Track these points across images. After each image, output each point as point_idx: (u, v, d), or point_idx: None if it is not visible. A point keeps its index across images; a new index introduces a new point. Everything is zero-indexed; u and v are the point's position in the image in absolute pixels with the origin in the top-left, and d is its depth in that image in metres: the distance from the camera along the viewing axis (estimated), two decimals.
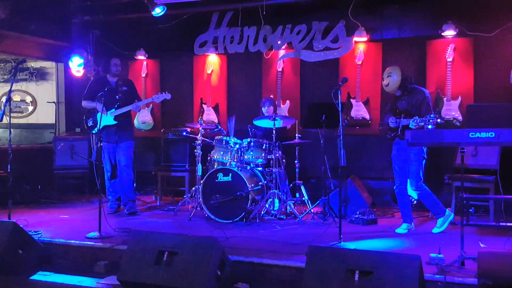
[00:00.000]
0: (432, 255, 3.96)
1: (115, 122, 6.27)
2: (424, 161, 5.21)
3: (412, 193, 5.57)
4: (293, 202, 6.19)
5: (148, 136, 8.14)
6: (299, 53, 7.33)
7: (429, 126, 4.76)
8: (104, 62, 6.50)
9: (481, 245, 4.56)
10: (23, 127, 9.50)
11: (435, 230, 5.20)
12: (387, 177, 6.63)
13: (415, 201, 6.02)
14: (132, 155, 6.48)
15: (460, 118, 6.41)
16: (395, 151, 5.36)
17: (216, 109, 7.82)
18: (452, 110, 6.45)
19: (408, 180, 5.31)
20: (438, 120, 4.78)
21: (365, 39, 6.99)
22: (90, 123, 6.45)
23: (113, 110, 6.25)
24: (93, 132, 6.50)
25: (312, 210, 6.05)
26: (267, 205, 5.99)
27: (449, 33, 6.49)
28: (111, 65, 6.40)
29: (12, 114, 5.46)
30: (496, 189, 5.48)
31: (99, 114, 5.99)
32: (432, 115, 4.78)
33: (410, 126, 4.96)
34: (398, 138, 5.25)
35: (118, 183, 6.42)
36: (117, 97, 6.33)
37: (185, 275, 3.68)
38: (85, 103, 6.50)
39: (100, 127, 5.77)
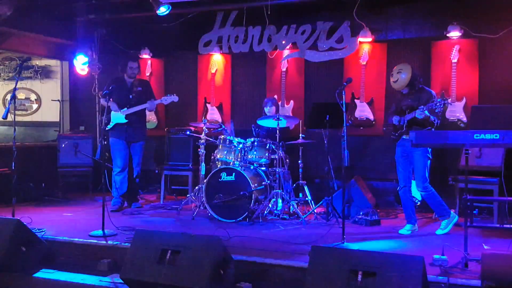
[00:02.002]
0: (436, 256, 3.95)
1: (125, 121, 6.40)
2: (429, 161, 5.19)
3: (416, 194, 5.56)
4: (296, 202, 6.19)
5: (152, 135, 8.13)
6: (303, 53, 7.32)
7: (437, 110, 4.74)
8: (122, 63, 6.62)
9: (485, 246, 4.54)
10: (28, 125, 9.53)
11: (439, 232, 5.18)
12: (391, 178, 6.61)
13: (419, 202, 6.00)
14: (143, 154, 6.70)
15: (464, 119, 6.39)
16: (399, 152, 5.34)
17: (220, 108, 7.83)
18: (456, 112, 6.44)
19: (413, 181, 5.29)
20: (447, 101, 4.76)
21: (369, 39, 6.98)
22: (105, 120, 6.54)
23: (125, 109, 6.38)
24: (107, 128, 6.56)
25: (315, 210, 6.05)
26: (270, 205, 5.99)
27: (454, 34, 6.48)
28: (127, 67, 6.54)
29: (16, 112, 5.45)
30: (500, 190, 5.46)
31: (112, 113, 6.36)
32: (439, 99, 4.75)
33: (416, 116, 4.92)
34: (402, 137, 5.22)
35: (125, 181, 6.52)
36: (130, 96, 6.48)
37: (188, 274, 3.68)
38: (101, 101, 6.79)
39: (112, 125, 5.86)
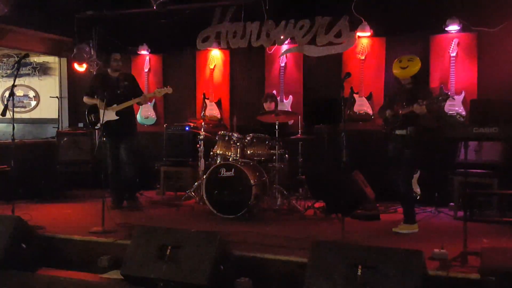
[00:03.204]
0: (435, 250, 3.95)
1: (116, 118, 6.23)
2: (417, 160, 5.08)
3: (416, 188, 5.52)
4: (295, 197, 6.19)
5: (151, 131, 8.15)
6: (302, 48, 7.31)
7: (438, 104, 4.63)
8: (105, 57, 6.47)
9: (484, 240, 4.55)
10: (26, 122, 9.50)
11: (395, 229, 5.04)
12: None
13: (419, 197, 5.99)
14: (134, 150, 6.46)
15: (463, 113, 6.39)
16: (392, 150, 5.18)
17: (218, 104, 7.82)
18: (455, 105, 6.43)
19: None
20: (449, 96, 4.66)
21: (368, 34, 6.97)
22: (92, 119, 6.43)
23: (115, 105, 6.22)
24: (96, 127, 6.49)
25: (314, 205, 6.05)
26: (269, 200, 5.99)
27: (453, 28, 6.47)
28: (111, 59, 6.35)
29: (15, 109, 5.43)
30: (499, 184, 5.47)
31: (100, 110, 6.08)
32: (439, 97, 4.62)
33: (415, 111, 4.78)
34: (395, 132, 5.09)
35: (121, 178, 6.43)
36: (118, 92, 6.28)
37: (188, 269, 3.69)
38: (86, 99, 6.48)
39: (103, 122, 5.73)
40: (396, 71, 5.11)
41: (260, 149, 6.11)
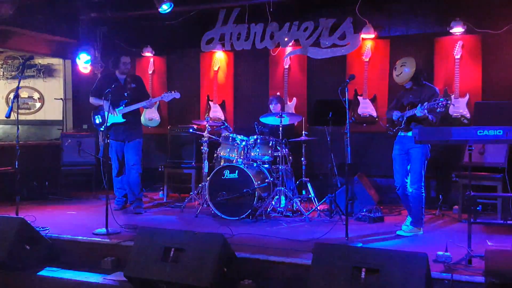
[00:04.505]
0: (439, 253, 3.95)
1: (123, 120, 6.23)
2: (426, 161, 5.02)
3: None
4: (299, 199, 6.19)
5: (155, 133, 8.16)
6: (306, 50, 7.31)
7: (438, 110, 4.61)
8: (114, 58, 6.42)
9: (489, 243, 4.54)
10: (31, 123, 9.54)
11: (400, 232, 5.04)
12: None
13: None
14: (140, 153, 6.45)
15: (468, 115, 6.37)
16: (397, 150, 5.15)
17: (222, 106, 7.82)
18: (460, 108, 6.41)
19: (408, 178, 5.14)
20: (449, 102, 4.62)
21: (372, 36, 6.96)
22: (98, 120, 6.42)
23: (121, 108, 6.22)
24: (101, 129, 6.49)
25: (318, 208, 6.05)
26: (273, 202, 5.99)
27: (457, 30, 6.46)
28: (120, 62, 6.32)
29: (19, 111, 5.47)
30: (504, 187, 5.44)
31: (106, 112, 5.98)
32: (442, 99, 4.55)
33: (416, 114, 4.75)
34: (400, 133, 5.08)
35: (126, 181, 6.43)
36: (125, 94, 6.25)
37: (192, 271, 3.69)
38: (92, 100, 6.47)
39: (108, 125, 5.73)
40: (395, 79, 5.15)
41: (264, 151, 6.11)
